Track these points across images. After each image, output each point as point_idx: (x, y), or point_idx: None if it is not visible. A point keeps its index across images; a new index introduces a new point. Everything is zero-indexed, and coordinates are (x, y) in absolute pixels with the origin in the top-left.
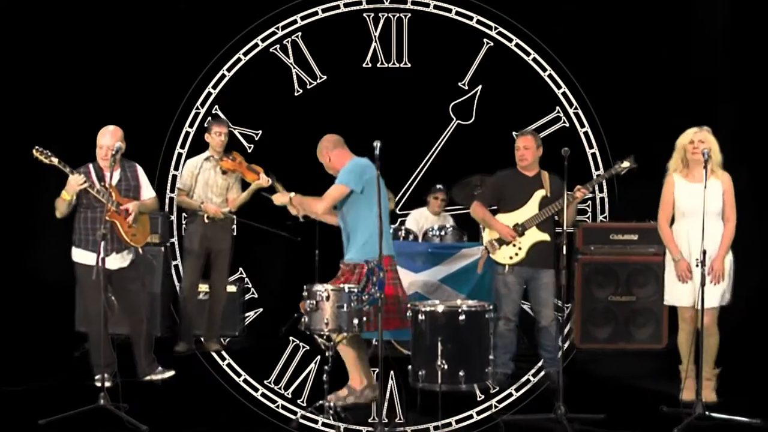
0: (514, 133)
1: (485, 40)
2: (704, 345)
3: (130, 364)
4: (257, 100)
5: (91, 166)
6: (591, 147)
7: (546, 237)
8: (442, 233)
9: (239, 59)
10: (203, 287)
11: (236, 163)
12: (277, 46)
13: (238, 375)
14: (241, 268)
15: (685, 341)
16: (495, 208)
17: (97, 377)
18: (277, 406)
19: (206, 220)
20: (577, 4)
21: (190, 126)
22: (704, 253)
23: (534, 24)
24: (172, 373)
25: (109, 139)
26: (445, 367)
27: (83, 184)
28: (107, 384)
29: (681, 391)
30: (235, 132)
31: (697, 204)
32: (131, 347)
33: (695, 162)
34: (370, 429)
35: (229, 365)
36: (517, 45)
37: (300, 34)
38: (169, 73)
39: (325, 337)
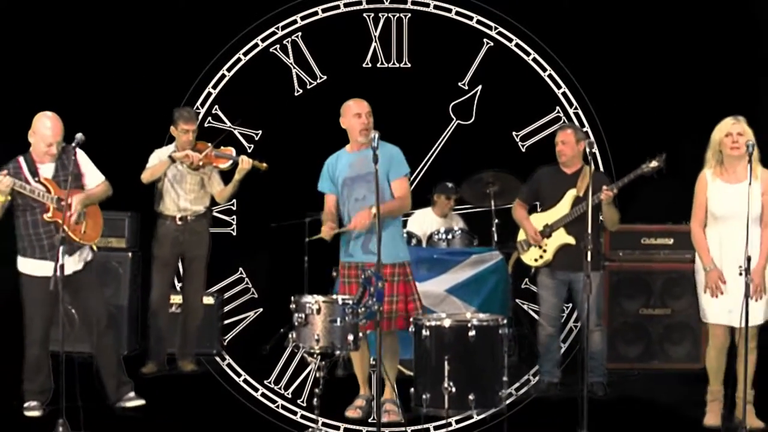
0: (514, 133)
1: (485, 40)
2: (745, 365)
3: (91, 386)
4: (257, 100)
5: (21, 159)
6: (591, 147)
7: (571, 240)
8: (450, 237)
9: (239, 59)
10: (176, 299)
11: (204, 156)
12: (277, 46)
13: (239, 375)
14: (241, 268)
15: (714, 360)
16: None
17: (28, 405)
18: (277, 406)
19: (179, 222)
20: (577, 3)
21: None
22: (749, 260)
23: (534, 24)
24: (142, 402)
25: (54, 131)
26: (453, 390)
27: (14, 185)
28: (37, 413)
29: (705, 416)
30: (235, 132)
31: (733, 207)
32: (95, 367)
33: (732, 159)
34: (370, 429)
35: (229, 365)
36: (517, 45)
37: (300, 34)
38: (169, 73)
39: (316, 356)
